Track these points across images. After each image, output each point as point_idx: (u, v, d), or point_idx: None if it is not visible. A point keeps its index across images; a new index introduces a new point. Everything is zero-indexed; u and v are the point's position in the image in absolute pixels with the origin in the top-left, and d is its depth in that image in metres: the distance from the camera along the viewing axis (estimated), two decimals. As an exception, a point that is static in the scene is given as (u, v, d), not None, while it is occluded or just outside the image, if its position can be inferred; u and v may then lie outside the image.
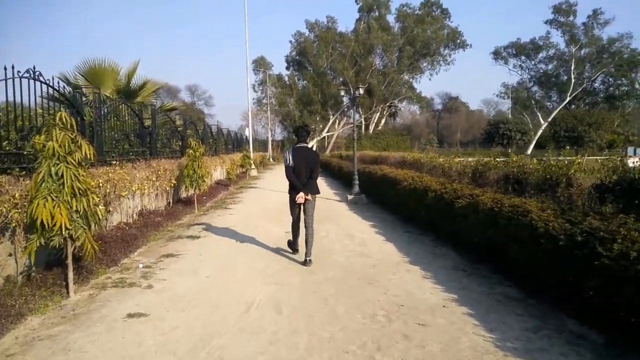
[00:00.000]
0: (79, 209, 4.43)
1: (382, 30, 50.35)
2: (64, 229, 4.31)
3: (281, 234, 7.86)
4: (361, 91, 12.38)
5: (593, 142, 38.99)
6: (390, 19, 53.49)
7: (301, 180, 6.14)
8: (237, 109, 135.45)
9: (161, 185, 10.10)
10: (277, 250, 6.69)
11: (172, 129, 13.79)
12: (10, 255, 4.70)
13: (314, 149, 49.36)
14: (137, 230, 7.78)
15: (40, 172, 4.29)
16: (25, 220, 4.50)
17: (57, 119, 4.45)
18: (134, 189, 8.43)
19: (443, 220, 7.21)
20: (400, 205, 9.66)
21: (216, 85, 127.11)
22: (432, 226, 8.03)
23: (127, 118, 10.33)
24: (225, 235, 7.88)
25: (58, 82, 6.74)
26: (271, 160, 43.62)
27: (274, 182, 20.03)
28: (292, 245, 6.49)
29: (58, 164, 4.32)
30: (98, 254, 4.98)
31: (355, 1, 52.83)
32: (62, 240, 4.40)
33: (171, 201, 11.06)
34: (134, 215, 8.73)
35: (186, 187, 11.00)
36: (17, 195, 4.54)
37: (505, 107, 78.09)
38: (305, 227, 6.07)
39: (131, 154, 9.76)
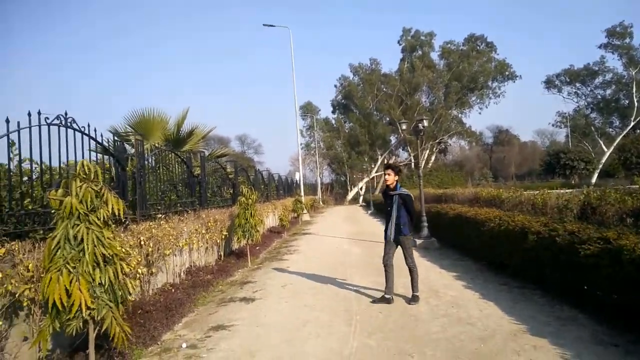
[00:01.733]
0: (103, 282, 3.42)
1: (427, 68, 49.61)
2: (84, 310, 3.29)
3: (349, 293, 6.58)
4: (425, 123, 11.18)
5: (671, 167, 35.27)
6: (434, 56, 52.85)
7: None
8: (285, 154, 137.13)
9: (211, 238, 9.18)
10: (350, 317, 5.40)
11: (223, 176, 13.09)
12: (25, 339, 3.75)
13: (363, 189, 48.02)
14: (184, 292, 6.76)
15: (56, 236, 3.34)
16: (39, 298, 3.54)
17: (79, 168, 3.54)
18: (180, 245, 7.52)
19: (555, 270, 5.71)
20: (486, 250, 8.15)
21: (264, 133, 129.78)
22: (535, 276, 6.51)
23: (175, 167, 9.64)
24: (284, 295, 6.68)
25: (95, 130, 6.00)
26: (321, 203, 42.66)
27: (328, 226, 18.87)
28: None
29: (78, 225, 3.37)
30: (130, 336, 3.90)
31: (398, 42, 52.78)
32: (81, 324, 3.37)
33: (222, 254, 10.09)
34: (182, 274, 7.76)
35: (238, 238, 10.03)
36: (30, 266, 3.60)
37: (561, 136, 74.41)
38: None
39: (179, 205, 8.94)
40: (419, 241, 10.99)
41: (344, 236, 14.43)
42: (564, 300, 5.46)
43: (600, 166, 50.12)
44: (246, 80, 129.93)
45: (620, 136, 51.24)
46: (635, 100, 50.16)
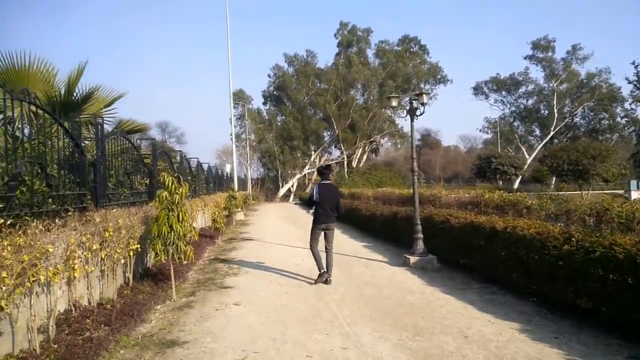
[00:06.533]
0: None
1: (363, 65, 47.84)
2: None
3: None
4: (425, 99, 8.23)
5: (599, 175, 36.00)
6: (369, 53, 51.45)
7: (326, 211, 6.83)
8: (211, 146, 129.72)
9: (111, 256, 5.60)
10: None
11: (135, 159, 9.24)
12: None
13: (295, 186, 45.05)
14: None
15: None
16: None
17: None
18: (44, 277, 3.94)
19: None
20: (548, 284, 5.39)
21: (189, 122, 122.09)
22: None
23: (58, 141, 5.89)
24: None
25: None
26: (251, 199, 38.92)
27: (270, 228, 15.51)
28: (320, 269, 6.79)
29: None
30: None
31: (335, 35, 50.40)
32: None
33: (131, 277, 6.50)
34: (52, 326, 4.17)
35: (157, 254, 6.45)
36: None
37: (479, 142, 77.11)
38: (327, 254, 6.81)
39: (51, 201, 5.23)
40: (412, 259, 8.10)
41: (297, 244, 11.22)
42: None
43: (522, 172, 51.55)
44: (172, 64, 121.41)
45: (541, 144, 53.34)
46: (555, 111, 52.34)
